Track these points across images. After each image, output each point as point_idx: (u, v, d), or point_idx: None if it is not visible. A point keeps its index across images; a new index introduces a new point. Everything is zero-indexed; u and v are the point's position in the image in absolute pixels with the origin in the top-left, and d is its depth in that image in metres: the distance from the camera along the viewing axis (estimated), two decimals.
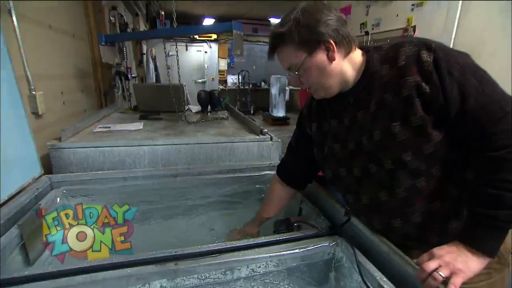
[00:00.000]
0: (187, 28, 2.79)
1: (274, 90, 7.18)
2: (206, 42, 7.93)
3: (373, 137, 0.75)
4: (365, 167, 0.79)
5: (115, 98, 2.68)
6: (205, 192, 1.36)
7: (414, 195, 0.74)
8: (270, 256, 0.80)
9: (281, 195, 1.09)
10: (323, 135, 0.91)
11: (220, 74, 8.30)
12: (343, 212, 0.96)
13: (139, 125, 1.69)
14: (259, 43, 8.22)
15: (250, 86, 8.11)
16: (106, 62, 2.31)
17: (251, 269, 0.80)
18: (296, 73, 0.79)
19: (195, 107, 2.49)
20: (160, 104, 2.20)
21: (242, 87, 8.06)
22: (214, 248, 0.80)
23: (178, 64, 1.75)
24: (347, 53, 0.76)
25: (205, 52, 8.07)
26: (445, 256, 0.64)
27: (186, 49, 7.75)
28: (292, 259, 0.83)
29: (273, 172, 1.28)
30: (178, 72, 1.76)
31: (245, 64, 8.21)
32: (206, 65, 8.12)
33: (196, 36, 7.53)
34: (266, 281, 0.84)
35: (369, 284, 0.72)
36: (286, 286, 0.87)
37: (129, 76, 2.82)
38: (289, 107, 7.85)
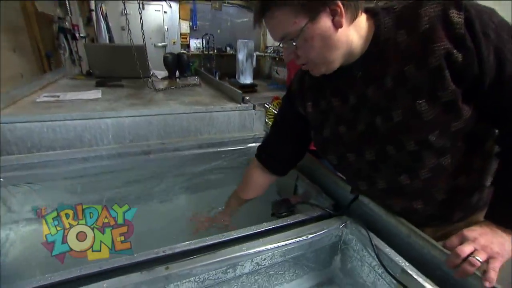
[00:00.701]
0: None
1: (241, 56, 6.82)
2: (166, 0, 7.12)
3: (392, 117, 0.63)
4: (380, 150, 0.68)
5: (61, 62, 2.25)
6: (183, 170, 1.20)
7: (438, 174, 0.66)
8: (277, 247, 0.69)
9: (260, 181, 0.97)
10: (321, 115, 0.77)
11: (182, 38, 7.62)
12: (349, 189, 0.87)
13: (97, 93, 1.41)
14: (224, 4, 7.61)
15: (215, 51, 7.60)
16: (43, 12, 1.88)
17: (255, 263, 0.68)
18: (294, 44, 0.61)
19: (160, 73, 2.19)
20: (119, 68, 1.89)
21: (207, 52, 7.52)
22: (211, 242, 0.66)
23: (141, 19, 1.45)
24: (353, 18, 0.60)
25: (165, 12, 7.25)
26: (479, 238, 0.57)
27: (143, 8, 6.90)
28: (300, 246, 0.72)
29: (259, 144, 1.15)
30: (142, 29, 1.47)
31: (209, 28, 7.61)
32: (166, 27, 7.34)
33: None
34: (270, 273, 0.74)
35: (390, 270, 0.65)
36: (291, 275, 0.78)
37: (77, 35, 2.39)
38: (256, 73, 7.57)
